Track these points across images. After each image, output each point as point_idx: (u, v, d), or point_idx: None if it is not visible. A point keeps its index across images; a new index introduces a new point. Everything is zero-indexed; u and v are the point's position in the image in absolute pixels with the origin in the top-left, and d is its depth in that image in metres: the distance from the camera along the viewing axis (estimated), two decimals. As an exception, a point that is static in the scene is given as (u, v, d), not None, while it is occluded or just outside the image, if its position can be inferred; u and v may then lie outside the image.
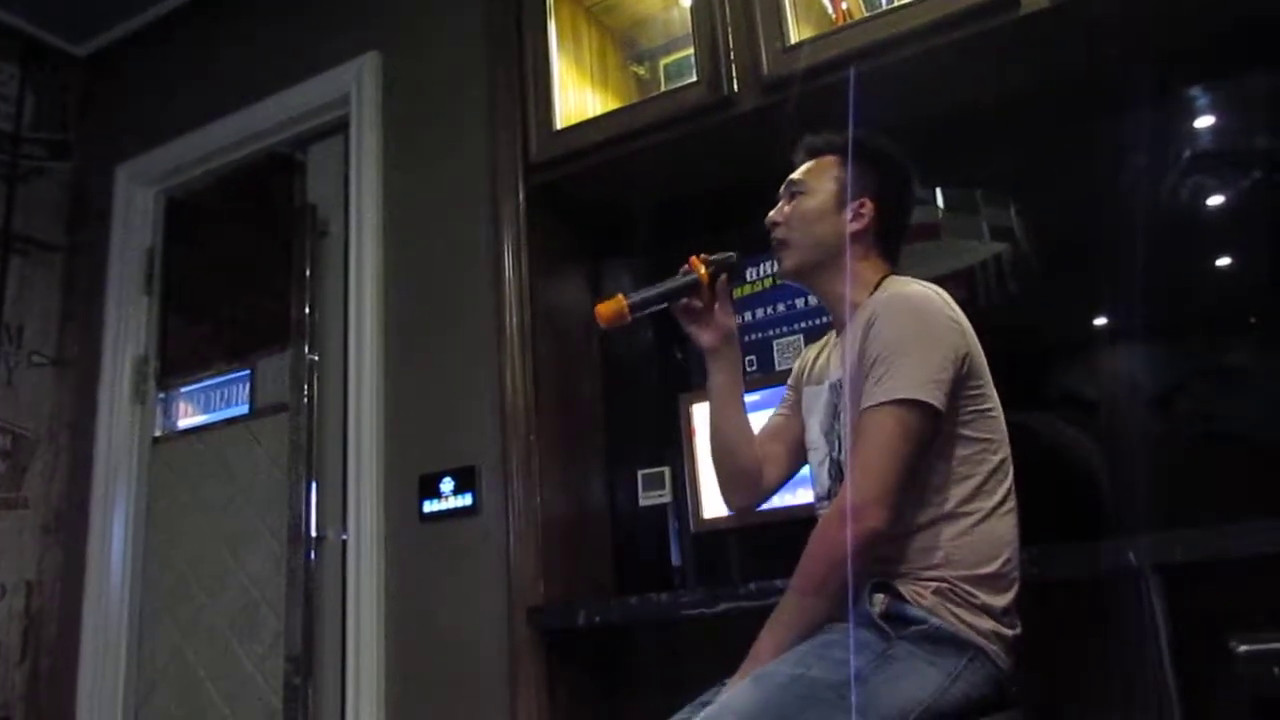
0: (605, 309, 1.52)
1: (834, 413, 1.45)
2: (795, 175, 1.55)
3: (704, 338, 1.58)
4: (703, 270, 1.54)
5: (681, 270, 1.56)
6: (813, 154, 1.55)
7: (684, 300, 1.56)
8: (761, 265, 2.25)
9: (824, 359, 1.56)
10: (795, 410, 1.62)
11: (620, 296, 1.52)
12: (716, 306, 1.57)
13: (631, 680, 2.14)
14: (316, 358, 2.57)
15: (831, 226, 1.48)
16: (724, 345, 1.58)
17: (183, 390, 2.94)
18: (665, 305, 1.56)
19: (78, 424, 2.95)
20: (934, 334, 1.32)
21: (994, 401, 1.38)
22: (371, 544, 2.28)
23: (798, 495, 1.82)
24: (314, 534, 2.44)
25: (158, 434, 2.91)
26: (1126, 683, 1.59)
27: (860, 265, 1.48)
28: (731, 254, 1.57)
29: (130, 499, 2.82)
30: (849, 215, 1.48)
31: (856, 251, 1.47)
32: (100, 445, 2.86)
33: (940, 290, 1.40)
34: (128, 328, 2.94)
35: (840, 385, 1.43)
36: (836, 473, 1.44)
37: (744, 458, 1.60)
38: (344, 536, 2.38)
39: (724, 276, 1.56)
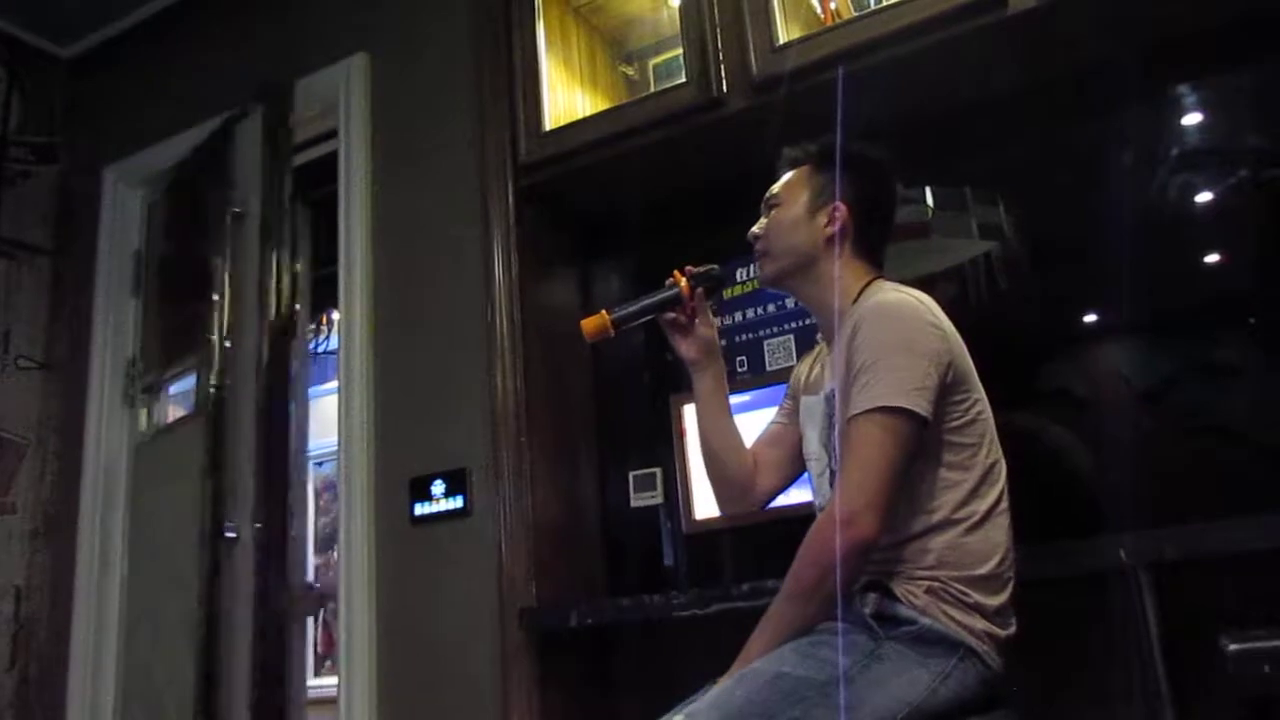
0: (589, 323, 1.55)
1: (830, 424, 1.45)
2: (772, 189, 1.56)
3: (685, 350, 1.59)
4: (684, 283, 1.56)
5: (666, 283, 1.58)
6: (791, 165, 1.57)
7: (667, 313, 1.58)
8: (751, 266, 2.24)
9: (819, 368, 1.57)
10: (792, 418, 1.62)
11: (604, 311, 1.55)
12: (697, 320, 1.58)
13: (623, 682, 2.14)
14: (306, 360, 2.57)
15: (807, 234, 1.49)
16: (705, 357, 1.60)
17: (172, 392, 2.92)
18: (648, 318, 1.58)
19: (66, 428, 2.93)
20: (916, 342, 1.33)
21: (982, 406, 1.38)
22: (362, 547, 2.27)
23: (790, 496, 1.82)
24: (305, 537, 2.44)
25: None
26: (1118, 681, 1.59)
27: (840, 270, 1.48)
28: (715, 267, 1.60)
29: (120, 502, 2.80)
30: (823, 221, 1.48)
31: (834, 255, 1.48)
32: (89, 449, 2.84)
33: (924, 297, 1.41)
34: (116, 330, 2.92)
35: (834, 396, 1.43)
36: (835, 483, 1.44)
37: (733, 465, 1.61)
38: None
39: (701, 290, 1.58)
